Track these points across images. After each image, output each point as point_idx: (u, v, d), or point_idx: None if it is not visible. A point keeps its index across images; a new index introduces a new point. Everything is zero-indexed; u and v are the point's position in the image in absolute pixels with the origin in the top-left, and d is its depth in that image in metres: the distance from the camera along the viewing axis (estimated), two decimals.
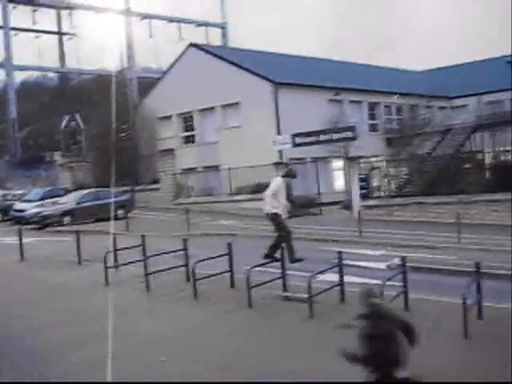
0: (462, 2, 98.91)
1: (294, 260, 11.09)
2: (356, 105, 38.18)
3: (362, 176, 25.80)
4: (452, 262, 14.77)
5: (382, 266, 14.31)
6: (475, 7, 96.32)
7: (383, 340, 5.06)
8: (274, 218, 11.02)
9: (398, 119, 40.69)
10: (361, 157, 27.48)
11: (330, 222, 23.90)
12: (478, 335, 8.17)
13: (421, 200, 23.77)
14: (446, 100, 44.53)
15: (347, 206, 27.05)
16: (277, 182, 11.09)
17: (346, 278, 11.10)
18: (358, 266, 14.37)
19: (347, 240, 19.47)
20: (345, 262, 12.47)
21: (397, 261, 11.80)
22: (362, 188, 25.43)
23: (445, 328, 8.63)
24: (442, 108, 44.38)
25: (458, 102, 43.70)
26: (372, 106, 39.64)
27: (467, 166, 26.26)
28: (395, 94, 39.47)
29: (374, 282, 9.56)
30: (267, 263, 11.21)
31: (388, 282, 9.66)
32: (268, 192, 10.97)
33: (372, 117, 39.66)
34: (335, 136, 26.55)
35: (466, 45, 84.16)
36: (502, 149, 34.73)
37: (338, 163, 34.72)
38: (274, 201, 10.88)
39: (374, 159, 27.40)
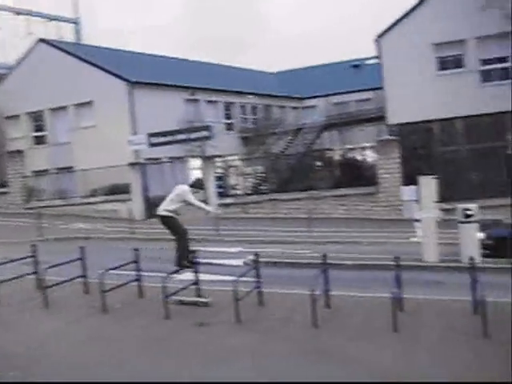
0: (315, 7, 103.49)
1: (183, 265, 10.62)
2: (212, 104, 38.62)
3: (218, 175, 26.15)
4: (305, 255, 15.49)
5: (239, 262, 14.65)
6: (329, 15, 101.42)
7: None
8: (168, 220, 10.58)
9: (252, 119, 41.78)
10: (217, 156, 27.86)
11: (188, 222, 23.88)
12: (326, 322, 8.67)
13: (275, 197, 24.66)
14: (298, 101, 46.52)
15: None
16: (179, 189, 10.72)
17: (203, 277, 11.23)
18: (216, 264, 14.60)
19: (205, 238, 19.68)
20: (202, 260, 12.65)
21: (253, 257, 12.13)
22: (218, 186, 25.78)
23: (296, 319, 9.04)
24: (294, 108, 46.33)
25: (308, 103, 45.82)
26: (228, 106, 40.31)
27: (318, 163, 27.59)
28: (250, 94, 40.48)
29: (230, 278, 9.79)
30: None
31: (245, 278, 9.95)
32: (172, 196, 10.61)
33: (228, 116, 40.35)
34: (191, 135, 26.66)
35: (316, 48, 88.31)
36: (348, 147, 37.11)
37: (196, 162, 34.96)
38: (172, 205, 10.50)
39: (230, 158, 27.91)
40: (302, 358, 7.35)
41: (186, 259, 10.56)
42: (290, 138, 37.11)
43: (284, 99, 44.78)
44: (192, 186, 11.17)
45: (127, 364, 7.42)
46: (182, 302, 10.05)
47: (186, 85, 35.74)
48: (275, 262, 14.58)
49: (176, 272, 10.58)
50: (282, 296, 10.66)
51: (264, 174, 28.20)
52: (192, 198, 10.70)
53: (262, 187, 27.52)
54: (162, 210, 10.58)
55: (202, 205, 11.22)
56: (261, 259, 12.38)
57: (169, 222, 10.64)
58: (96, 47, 38.50)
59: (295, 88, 45.81)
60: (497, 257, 13.92)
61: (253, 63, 77.79)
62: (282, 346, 7.91)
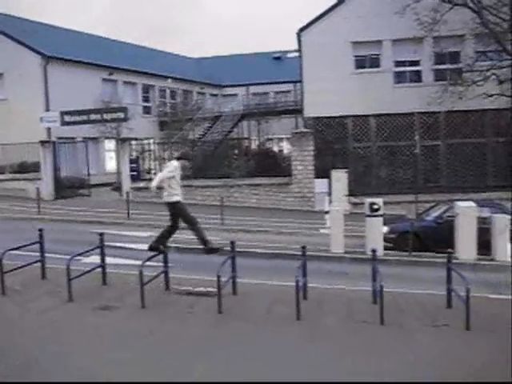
0: None
1: (210, 250, 9.89)
2: (130, 86, 37.86)
3: (133, 158, 25.69)
4: (215, 242, 15.52)
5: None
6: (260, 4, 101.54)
7: None
8: (176, 206, 9.72)
9: (171, 103, 41.31)
10: (133, 138, 27.35)
11: (99, 204, 23.43)
12: (231, 308, 8.77)
13: (189, 183, 24.47)
14: (218, 88, 46.45)
15: (117, 187, 26.78)
16: (171, 167, 9.70)
17: (110, 260, 11.05)
18: (124, 248, 14.40)
19: (115, 222, 19.35)
20: (111, 243, 12.44)
21: None
22: (133, 170, 25.34)
23: (202, 304, 9.07)
24: (214, 95, 46.24)
25: (228, 91, 45.86)
26: (146, 89, 39.65)
27: (234, 152, 27.69)
28: (170, 78, 39.97)
29: (137, 262, 9.67)
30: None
31: (154, 263, 9.87)
32: (161, 177, 9.62)
33: (146, 99, 39.69)
34: (107, 116, 26.01)
35: (241, 37, 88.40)
36: (265, 137, 37.51)
37: (110, 144, 34.20)
38: (170, 188, 9.57)
39: (146, 141, 27.45)
40: (203, 343, 7.40)
41: (207, 242, 9.88)
42: (208, 124, 37.01)
43: (204, 86, 44.58)
44: (179, 158, 10.16)
45: (15, 349, 7.18)
46: (189, 293, 9.51)
47: (104, 64, 34.81)
48: (185, 248, 14.55)
49: (212, 251, 9.85)
50: (190, 282, 10.67)
51: None
52: (162, 174, 9.80)
53: None
54: (170, 195, 9.63)
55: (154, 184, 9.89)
56: (171, 244, 12.37)
57: (176, 208, 9.75)
58: (8, 16, 36.62)
59: (216, 75, 45.72)
60: (398, 250, 14.60)
61: (178, 48, 76.90)
62: (184, 330, 7.92)
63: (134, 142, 26.46)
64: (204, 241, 9.86)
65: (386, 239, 14.61)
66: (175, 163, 9.82)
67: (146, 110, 39.26)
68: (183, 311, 8.77)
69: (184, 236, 16.29)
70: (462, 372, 6.49)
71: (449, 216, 14.91)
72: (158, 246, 9.86)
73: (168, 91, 41.35)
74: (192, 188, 24.32)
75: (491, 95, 21.92)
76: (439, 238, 14.48)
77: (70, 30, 40.21)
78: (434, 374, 6.40)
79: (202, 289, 9.63)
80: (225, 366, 6.62)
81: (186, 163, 10.23)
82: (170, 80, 39.94)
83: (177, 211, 9.79)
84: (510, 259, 13.69)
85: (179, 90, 41.20)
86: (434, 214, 15.76)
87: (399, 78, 25.89)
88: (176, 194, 9.66)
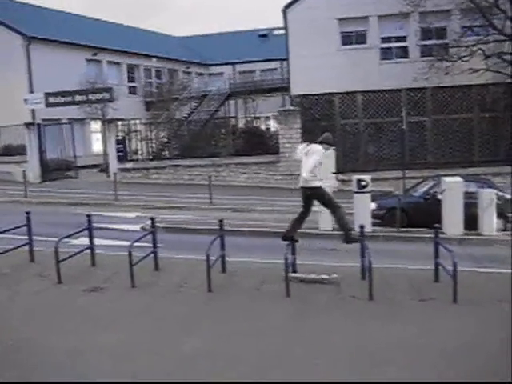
0: None
1: (350, 239, 9.17)
2: (115, 66, 37.47)
3: (119, 139, 25.52)
4: (204, 221, 15.55)
5: (137, 227, 14.49)
6: None
7: None
8: (317, 191, 9.00)
9: (157, 83, 40.96)
10: (119, 119, 27.13)
11: (86, 186, 23.32)
12: (221, 286, 8.81)
13: (177, 163, 24.44)
14: (204, 67, 46.09)
15: (104, 169, 26.64)
16: (319, 153, 8.90)
17: (99, 241, 11.03)
18: (112, 229, 14.37)
19: (103, 203, 19.28)
20: (99, 225, 12.41)
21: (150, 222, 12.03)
22: (119, 151, 25.19)
23: (191, 283, 9.10)
24: (200, 74, 45.89)
25: (214, 70, 45.53)
26: (132, 69, 39.27)
27: (222, 130, 27.60)
28: (155, 57, 39.58)
29: (126, 243, 9.66)
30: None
31: (142, 244, 9.87)
32: (312, 165, 8.74)
33: (131, 79, 39.32)
34: (92, 97, 25.76)
35: (226, 15, 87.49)
36: (252, 116, 37.36)
37: (97, 125, 33.92)
38: (312, 173, 8.78)
39: (132, 122, 27.25)
40: (194, 321, 7.44)
41: (350, 230, 9.28)
42: (194, 104, 36.77)
43: (190, 65, 44.22)
44: (321, 142, 9.20)
45: (6, 330, 7.18)
46: (302, 280, 8.97)
47: (88, 44, 34.37)
48: (174, 228, 14.55)
49: (351, 241, 9.14)
50: (180, 261, 10.70)
51: (167, 140, 27.84)
52: (310, 162, 8.80)
53: (164, 153, 27.18)
54: (308, 179, 8.85)
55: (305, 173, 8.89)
56: (159, 225, 12.39)
57: (317, 193, 9.05)
58: None
59: (202, 54, 45.37)
60: (386, 226, 14.69)
61: (163, 27, 75.95)
62: (175, 309, 7.96)
63: (120, 123, 26.25)
64: (345, 229, 9.12)
65: (374, 216, 14.67)
66: (321, 148, 9.01)
67: (132, 91, 38.92)
68: (173, 290, 8.79)
69: (173, 216, 16.39)
70: (450, 344, 6.57)
71: (435, 192, 14.99)
72: (292, 235, 9.21)
73: (153, 71, 40.98)
74: (179, 167, 24.28)
75: (477, 70, 21.92)
76: (426, 213, 14.56)
77: (53, 10, 39.58)
78: (421, 346, 6.49)
79: (314, 276, 9.20)
80: (216, 342, 6.66)
81: (328, 148, 9.28)
82: (155, 59, 39.55)
83: (319, 197, 9.12)
84: (496, 233, 13.84)
85: (165, 70, 40.82)
86: (421, 189, 15.84)
87: (386, 54, 25.80)
88: (319, 180, 8.96)
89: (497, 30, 22.10)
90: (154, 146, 26.93)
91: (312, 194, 9.02)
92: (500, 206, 14.07)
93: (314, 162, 8.77)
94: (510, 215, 14.41)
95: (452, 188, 13.90)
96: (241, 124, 30.91)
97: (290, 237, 9.18)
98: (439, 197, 14.41)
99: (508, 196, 14.81)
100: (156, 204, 18.84)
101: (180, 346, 6.55)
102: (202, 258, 8.75)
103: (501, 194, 14.63)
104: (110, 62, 36.62)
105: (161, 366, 6.02)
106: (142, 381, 5.67)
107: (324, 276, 9.21)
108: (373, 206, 14.66)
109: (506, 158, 22.46)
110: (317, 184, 8.91)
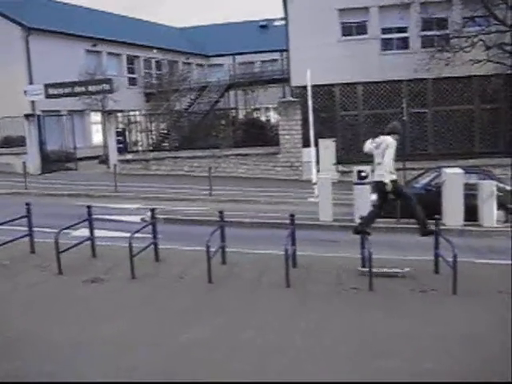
0: None
1: (426, 232, 9.09)
2: (115, 57, 37.35)
3: (119, 130, 25.47)
4: (204, 212, 15.55)
5: (137, 219, 14.49)
6: None
7: None
8: (393, 185, 8.95)
9: (157, 74, 40.84)
10: (119, 111, 27.08)
11: (86, 177, 23.31)
12: (221, 278, 8.81)
13: (177, 154, 24.39)
14: (204, 58, 45.94)
15: (104, 160, 26.61)
16: (393, 146, 8.86)
17: (99, 233, 11.03)
18: (113, 220, 14.37)
19: (104, 195, 19.27)
20: (99, 216, 12.42)
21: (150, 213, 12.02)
22: (119, 142, 25.14)
23: (192, 274, 9.11)
24: (200, 65, 45.74)
25: (214, 61, 45.38)
26: (131, 60, 39.14)
27: (222, 122, 27.53)
28: (155, 48, 39.44)
29: (126, 234, 9.67)
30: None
31: (143, 235, 9.87)
32: (386, 158, 8.79)
33: (131, 70, 39.20)
34: (92, 88, 25.66)
35: (226, 6, 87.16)
36: (253, 107, 37.26)
37: (96, 117, 33.86)
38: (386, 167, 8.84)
39: (132, 113, 27.17)
40: (194, 312, 7.44)
41: (426, 223, 9.12)
42: (194, 95, 36.66)
43: (190, 56, 44.08)
44: (390, 133, 9.08)
45: (6, 322, 7.18)
46: (378, 275, 8.66)
47: (87, 35, 34.24)
48: (174, 219, 14.56)
49: (428, 233, 9.04)
50: (180, 252, 10.71)
51: (167, 131, 27.78)
52: (389, 154, 8.78)
53: (164, 144, 27.14)
54: (385, 175, 8.87)
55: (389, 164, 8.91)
56: (160, 216, 12.40)
57: (396, 187, 9.03)
58: None
59: (202, 45, 45.21)
60: (386, 217, 14.63)
61: (163, 18, 75.65)
62: (175, 300, 7.96)
63: (120, 115, 26.19)
64: (421, 221, 9.07)
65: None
66: (392, 141, 8.93)
67: (132, 82, 38.81)
68: (173, 281, 8.80)
69: (173, 207, 16.40)
70: (450, 335, 6.58)
71: (437, 183, 14.95)
72: (364, 229, 9.15)
73: (153, 62, 40.84)
74: (179, 159, 24.23)
75: (478, 61, 21.84)
76: (428, 204, 14.51)
77: (52, 1, 39.40)
78: (421, 337, 6.50)
79: (386, 269, 9.10)
80: (216, 333, 6.67)
81: (397, 137, 9.09)
82: (155, 50, 39.42)
83: (394, 190, 9.03)
84: (496, 224, 13.84)
85: (165, 61, 40.67)
86: (423, 181, 15.79)
87: (386, 45, 25.68)
88: (393, 173, 8.96)
89: (498, 21, 21.99)
90: (153, 137, 26.89)
91: (383, 189, 9.01)
92: (501, 198, 14.06)
93: (391, 156, 8.81)
94: (510, 206, 14.38)
95: (452, 179, 13.88)
96: (241, 115, 30.79)
97: (363, 230, 9.13)
98: (437, 187, 14.40)
99: (508, 187, 14.78)
100: (156, 195, 18.84)
101: (180, 337, 6.55)
102: (203, 249, 8.75)
103: (501, 185, 14.60)
104: (109, 53, 36.50)
105: (160, 357, 6.03)
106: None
107: (396, 270, 9.09)
108: (373, 197, 14.62)
109: (507, 150, 22.42)
110: (393, 177, 8.92)
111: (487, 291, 8.23)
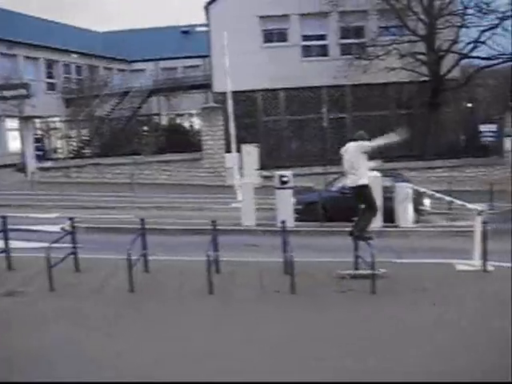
0: None
1: (362, 237, 9.27)
2: (32, 61, 36.16)
3: (38, 137, 24.67)
4: (127, 220, 15.28)
5: (57, 228, 14.05)
6: None
7: None
8: (364, 189, 9.34)
9: (77, 79, 39.84)
10: (37, 116, 26.23)
11: (2, 186, 22.39)
12: (143, 286, 8.70)
13: (98, 161, 23.93)
14: (126, 63, 45.26)
15: (22, 168, 25.67)
16: (360, 145, 9.27)
17: (16, 244, 10.63)
18: (31, 230, 13.88)
19: (21, 204, 18.57)
20: (16, 227, 11.95)
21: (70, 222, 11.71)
22: (38, 149, 24.35)
23: (113, 284, 8.95)
24: (122, 71, 45.02)
25: (136, 66, 44.80)
26: (50, 64, 38.01)
27: (144, 128, 27.23)
28: (75, 53, 38.48)
29: (45, 245, 9.36)
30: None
31: (62, 244, 9.57)
32: (353, 160, 9.18)
33: (50, 75, 38.06)
34: (7, 93, 24.76)
35: (149, 11, 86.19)
36: (176, 113, 37.09)
37: (13, 123, 32.60)
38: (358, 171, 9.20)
39: (51, 119, 26.40)
40: (115, 324, 7.32)
41: (367, 232, 9.35)
42: (116, 101, 36.01)
43: (111, 61, 43.29)
44: (358, 139, 9.46)
45: None
46: (354, 276, 9.04)
47: (2, 37, 32.96)
48: (96, 228, 14.24)
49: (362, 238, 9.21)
50: (101, 261, 10.46)
51: (88, 138, 27.17)
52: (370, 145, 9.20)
53: (85, 151, 26.53)
54: (355, 179, 9.20)
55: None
56: (80, 225, 12.09)
57: (366, 192, 9.39)
58: None
59: (123, 50, 44.45)
60: (306, 220, 14.91)
61: (84, 22, 73.89)
62: (95, 312, 7.78)
63: (38, 120, 25.40)
64: (364, 228, 9.38)
65: (295, 211, 14.89)
66: (356, 145, 9.31)
67: (51, 87, 37.67)
68: (94, 292, 8.61)
69: (94, 215, 16.03)
70: (365, 331, 6.81)
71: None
72: (362, 235, 9.29)
73: (73, 67, 39.83)
74: (101, 166, 23.77)
75: (393, 69, 22.73)
76: (343, 208, 14.76)
77: None
78: (340, 335, 6.68)
79: (361, 271, 9.18)
80: (138, 343, 6.59)
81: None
82: (75, 55, 38.46)
83: (365, 194, 9.38)
84: (412, 225, 14.42)
85: (85, 66, 39.77)
86: (338, 184, 16.11)
87: (307, 52, 26.28)
88: (363, 178, 9.29)
89: (410, 31, 22.99)
90: (74, 144, 26.24)
91: (359, 192, 9.34)
92: (414, 200, 14.66)
93: (365, 162, 9.22)
94: (422, 208, 15.03)
95: (370, 182, 14.29)
96: (164, 121, 30.57)
97: (362, 237, 9.27)
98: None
99: (420, 190, 15.41)
100: (77, 204, 18.36)
101: (101, 351, 6.42)
102: (125, 258, 8.60)
103: (415, 187, 15.23)
104: (26, 57, 35.29)
105: (84, 371, 5.89)
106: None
107: (367, 272, 9.04)
108: (292, 201, 14.86)
109: (421, 154, 23.43)
110: (363, 182, 9.24)
111: (404, 290, 8.55)
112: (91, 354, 6.29)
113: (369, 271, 8.88)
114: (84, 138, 27.16)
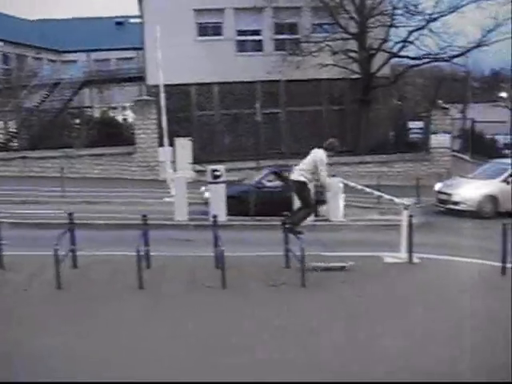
0: None
1: (290, 229, 9.58)
2: None
3: None
4: (56, 215, 14.88)
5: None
6: None
7: None
8: (303, 186, 9.67)
9: (4, 69, 38.34)
10: None
11: None
12: (71, 282, 8.52)
13: (26, 154, 23.17)
14: (57, 53, 43.94)
15: None
16: (323, 160, 9.52)
17: None
18: None
19: None
20: None
21: None
22: None
23: (40, 281, 8.71)
24: (52, 61, 43.68)
25: (68, 57, 43.56)
26: None
27: (76, 121, 26.59)
28: (1, 41, 37.00)
29: None
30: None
31: None
32: (304, 166, 9.61)
33: None
34: None
35: (82, 1, 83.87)
36: (109, 105, 36.32)
37: None
38: (307, 173, 9.58)
39: None
40: (41, 322, 7.15)
41: (294, 224, 9.63)
42: (45, 92, 34.87)
43: (41, 50, 41.90)
44: (326, 148, 9.75)
45: None
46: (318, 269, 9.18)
47: None
48: (22, 223, 13.80)
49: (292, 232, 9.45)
50: (28, 258, 10.14)
51: (15, 130, 26.23)
52: (323, 170, 9.48)
53: (12, 144, 25.61)
54: (298, 175, 9.63)
55: (327, 181, 9.93)
56: (5, 220, 11.72)
57: (302, 189, 9.70)
58: None
59: (55, 40, 43.08)
60: (237, 214, 14.86)
61: (16, 9, 70.92)
62: (20, 310, 7.57)
63: None
64: (297, 223, 9.72)
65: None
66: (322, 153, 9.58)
67: None
68: (18, 289, 8.36)
69: (21, 210, 15.52)
70: (294, 322, 6.94)
71: (269, 180, 15.57)
72: (294, 229, 9.55)
73: (0, 55, 38.31)
74: (29, 159, 23.03)
75: (326, 65, 23.12)
76: (260, 201, 14.82)
77: None
78: (270, 327, 6.79)
79: (334, 264, 9.42)
80: (63, 341, 6.46)
81: (331, 154, 9.81)
82: (1, 43, 36.99)
83: (303, 191, 9.72)
84: (343, 219, 14.74)
85: (12, 55, 38.32)
86: (256, 178, 16.21)
87: (241, 46, 26.34)
88: (305, 176, 9.60)
89: (343, 29, 23.44)
90: (1, 136, 25.29)
91: (297, 188, 9.80)
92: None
93: (325, 173, 9.57)
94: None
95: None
96: (97, 114, 29.90)
97: (293, 230, 9.52)
98: (268, 185, 15.13)
99: (351, 184, 15.74)
100: (2, 199, 17.70)
101: (29, 348, 6.26)
102: (50, 254, 8.39)
103: (345, 182, 15.54)
104: None
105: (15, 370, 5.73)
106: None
107: (337, 264, 9.43)
108: (207, 195, 14.84)
109: (353, 149, 23.96)
110: (302, 179, 9.61)
111: (333, 283, 8.76)
112: (16, 353, 6.13)
113: (340, 264, 9.38)
114: (11, 130, 26.18)
